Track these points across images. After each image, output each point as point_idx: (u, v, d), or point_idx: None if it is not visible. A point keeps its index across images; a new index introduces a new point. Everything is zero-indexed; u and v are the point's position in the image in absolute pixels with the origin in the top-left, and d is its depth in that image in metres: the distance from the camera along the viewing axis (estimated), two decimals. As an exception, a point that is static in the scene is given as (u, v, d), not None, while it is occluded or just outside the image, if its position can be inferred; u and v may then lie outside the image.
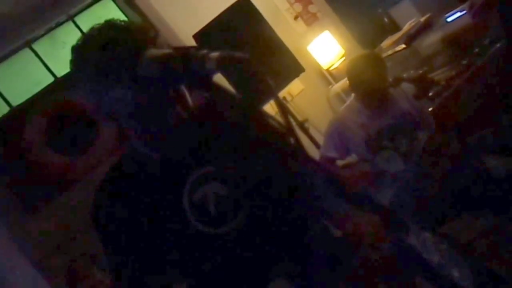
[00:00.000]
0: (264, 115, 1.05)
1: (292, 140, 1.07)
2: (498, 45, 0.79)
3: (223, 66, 0.87)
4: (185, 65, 0.89)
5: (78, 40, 1.08)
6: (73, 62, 1.08)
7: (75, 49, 1.08)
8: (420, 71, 3.04)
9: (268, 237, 1.16)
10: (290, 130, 0.94)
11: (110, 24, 1.07)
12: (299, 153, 1.14)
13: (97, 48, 1.03)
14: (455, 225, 2.27)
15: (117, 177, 1.18)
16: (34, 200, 3.40)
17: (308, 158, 1.05)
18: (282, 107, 0.90)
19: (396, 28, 4.05)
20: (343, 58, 3.98)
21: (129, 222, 1.11)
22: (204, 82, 0.90)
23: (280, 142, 1.15)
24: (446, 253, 1.03)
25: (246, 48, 3.38)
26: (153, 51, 0.97)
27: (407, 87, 2.48)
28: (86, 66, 1.04)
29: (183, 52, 0.91)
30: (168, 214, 1.12)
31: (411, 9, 4.00)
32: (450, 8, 3.43)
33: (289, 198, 1.21)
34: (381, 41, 3.97)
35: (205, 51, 0.89)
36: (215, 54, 0.88)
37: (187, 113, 1.09)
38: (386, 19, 4.26)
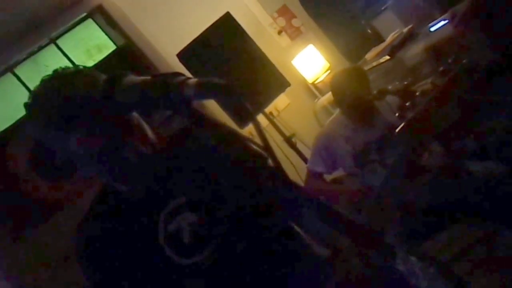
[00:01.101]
0: (241, 139, 1.05)
1: (270, 163, 1.06)
2: (464, 61, 0.80)
3: (201, 92, 0.87)
4: (163, 92, 0.89)
5: (28, 97, 1.07)
6: (27, 118, 1.08)
7: (26, 106, 1.08)
8: (405, 82, 3.04)
9: (244, 265, 1.17)
10: (269, 153, 0.93)
11: (57, 74, 1.07)
12: (277, 176, 1.13)
13: (44, 101, 1.03)
14: (444, 237, 2.26)
15: (96, 212, 1.20)
16: (19, 227, 3.35)
17: (286, 181, 1.02)
18: (260, 131, 0.88)
19: (379, 39, 4.07)
20: (328, 71, 3.98)
21: (108, 256, 1.14)
22: (183, 109, 0.90)
23: (257, 165, 1.15)
24: (434, 278, 1.01)
25: (231, 65, 3.37)
26: (131, 78, 0.97)
27: (392, 100, 2.47)
28: (36, 120, 1.05)
29: (161, 79, 0.91)
30: (145, 247, 1.14)
31: (393, 20, 4.02)
32: (432, 18, 3.46)
33: (266, 223, 1.21)
34: (365, 52, 3.99)
35: (183, 78, 0.89)
36: (192, 81, 0.88)
37: (148, 147, 1.10)
38: (369, 31, 4.29)
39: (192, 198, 1.16)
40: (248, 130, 3.79)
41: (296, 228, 1.28)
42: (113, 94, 0.93)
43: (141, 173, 1.12)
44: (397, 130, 0.82)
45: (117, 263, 1.14)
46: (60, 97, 1.01)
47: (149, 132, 1.12)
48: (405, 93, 2.38)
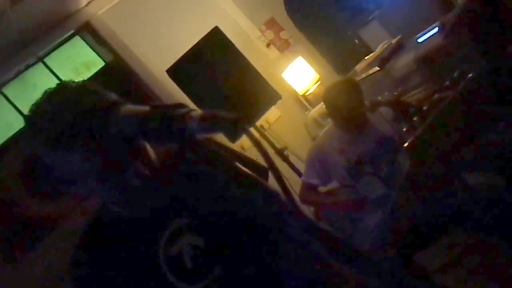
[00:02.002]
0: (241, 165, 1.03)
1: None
2: (470, 75, 0.79)
3: (206, 126, 0.84)
4: (164, 124, 0.86)
5: (30, 109, 1.03)
6: (27, 131, 1.03)
7: (27, 119, 1.03)
8: (395, 93, 3.07)
9: None
10: (275, 175, 0.91)
11: (62, 88, 1.02)
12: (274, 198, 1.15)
13: (48, 116, 0.99)
14: (437, 246, 2.27)
15: (94, 235, 1.15)
16: (12, 249, 3.30)
17: (293, 206, 1.01)
18: (265, 155, 0.86)
19: (367, 49, 4.11)
20: (318, 83, 4.00)
21: (107, 282, 1.10)
22: (184, 141, 0.88)
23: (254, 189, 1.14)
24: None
25: (221, 79, 3.37)
26: (128, 108, 0.93)
27: (386, 111, 2.49)
28: (38, 135, 1.00)
29: (162, 111, 0.87)
30: (145, 271, 1.10)
31: (379, 30, 4.08)
32: (418, 27, 3.50)
33: (268, 245, 1.18)
34: (354, 63, 4.02)
35: (185, 110, 0.86)
36: (196, 114, 0.84)
37: (151, 168, 1.06)
38: (356, 41, 4.34)
39: (194, 218, 1.12)
40: (241, 144, 3.80)
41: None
42: (107, 125, 0.90)
43: (142, 196, 1.09)
44: (405, 145, 0.81)
45: (114, 287, 1.09)
46: (66, 113, 0.97)
47: (152, 155, 1.08)
48: (398, 104, 2.41)
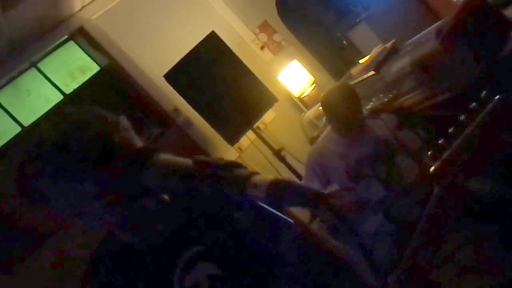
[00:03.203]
0: None
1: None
2: (497, 97, 0.79)
3: (276, 198, 0.69)
4: (215, 186, 0.73)
5: (39, 139, 0.94)
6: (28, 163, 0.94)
7: (30, 153, 0.94)
8: (390, 95, 3.12)
9: None
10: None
11: (64, 116, 0.96)
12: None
13: (53, 147, 0.91)
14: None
15: (101, 265, 1.07)
16: (8, 260, 3.27)
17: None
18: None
19: (355, 51, 4.17)
20: (314, 85, 4.04)
21: None
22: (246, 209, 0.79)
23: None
24: None
25: (218, 83, 3.39)
26: (165, 158, 0.80)
27: (387, 117, 2.53)
28: (44, 167, 0.92)
29: (212, 169, 0.73)
30: None
31: (368, 32, 4.13)
32: (406, 30, 3.55)
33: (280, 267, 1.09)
34: (343, 64, 4.07)
35: (245, 172, 0.71)
36: (262, 180, 0.70)
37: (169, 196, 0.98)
38: (345, 42, 4.39)
39: (210, 247, 1.04)
40: (239, 145, 3.82)
41: None
42: (140, 175, 0.80)
43: (157, 222, 1.01)
44: (431, 170, 0.83)
45: None
46: (74, 142, 0.90)
47: None
48: (400, 110, 2.45)
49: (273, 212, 0.95)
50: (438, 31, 2.06)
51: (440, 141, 0.83)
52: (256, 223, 1.08)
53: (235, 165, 0.74)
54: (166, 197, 0.98)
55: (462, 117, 0.86)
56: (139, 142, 0.98)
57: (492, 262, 2.35)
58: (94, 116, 0.96)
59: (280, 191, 0.70)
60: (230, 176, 0.73)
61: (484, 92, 0.83)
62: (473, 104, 0.83)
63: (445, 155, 0.85)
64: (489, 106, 0.85)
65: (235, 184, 0.71)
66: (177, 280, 1.02)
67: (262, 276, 1.07)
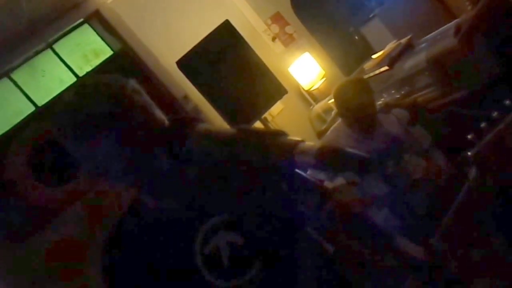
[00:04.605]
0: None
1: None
2: None
3: (325, 164, 0.72)
4: (260, 152, 0.73)
5: (63, 101, 1.03)
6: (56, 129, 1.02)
7: (56, 116, 1.01)
8: (403, 92, 3.14)
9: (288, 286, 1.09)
10: None
11: (83, 83, 1.04)
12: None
13: (70, 111, 0.98)
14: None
15: (125, 231, 1.11)
16: (19, 231, 3.35)
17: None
18: None
19: (367, 46, 4.18)
20: (324, 79, 4.06)
21: (140, 277, 1.07)
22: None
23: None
24: None
25: (229, 72, 3.42)
26: (208, 127, 0.81)
27: (400, 113, 2.54)
28: (63, 130, 0.99)
29: (257, 137, 0.73)
30: (180, 268, 1.06)
31: (381, 28, 4.13)
32: (420, 26, 3.55)
33: (297, 236, 1.14)
34: (354, 60, 4.07)
35: (293, 140, 0.71)
36: (309, 147, 0.70)
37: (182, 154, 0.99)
38: (356, 37, 4.40)
39: (232, 215, 1.06)
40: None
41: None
42: (183, 142, 0.80)
43: (174, 183, 1.03)
44: (469, 154, 0.84)
45: (149, 285, 1.06)
46: (90, 104, 0.97)
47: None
48: (414, 107, 2.47)
49: (311, 181, 1.02)
50: (457, 29, 2.06)
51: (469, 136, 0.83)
52: (286, 193, 1.10)
53: (281, 133, 0.75)
54: (177, 152, 0.99)
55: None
56: (155, 109, 1.06)
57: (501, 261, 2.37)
58: (99, 82, 1.04)
59: (329, 156, 0.72)
60: (277, 143, 0.73)
61: (508, 100, 0.83)
62: (495, 113, 0.83)
63: (486, 139, 0.84)
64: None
65: (282, 150, 0.73)
66: (199, 245, 1.05)
67: (286, 248, 1.09)
